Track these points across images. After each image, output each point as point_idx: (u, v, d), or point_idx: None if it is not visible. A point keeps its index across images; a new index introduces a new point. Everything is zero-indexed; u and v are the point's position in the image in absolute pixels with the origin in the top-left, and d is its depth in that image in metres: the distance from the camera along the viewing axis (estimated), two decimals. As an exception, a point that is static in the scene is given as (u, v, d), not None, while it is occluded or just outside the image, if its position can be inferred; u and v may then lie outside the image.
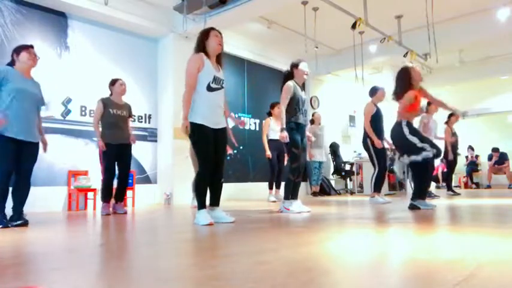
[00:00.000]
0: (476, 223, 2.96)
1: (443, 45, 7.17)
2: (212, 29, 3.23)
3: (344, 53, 8.62)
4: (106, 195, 4.38)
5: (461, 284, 1.22)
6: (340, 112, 10.00)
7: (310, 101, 9.44)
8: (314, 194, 7.86)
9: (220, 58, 3.27)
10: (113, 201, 4.45)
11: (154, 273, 1.49)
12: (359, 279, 1.40)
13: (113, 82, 4.58)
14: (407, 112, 4.08)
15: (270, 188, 6.27)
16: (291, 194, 4.09)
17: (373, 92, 5.57)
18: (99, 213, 4.46)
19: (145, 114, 6.44)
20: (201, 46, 3.17)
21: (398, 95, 4.17)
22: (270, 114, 6.37)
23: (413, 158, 3.97)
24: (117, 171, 4.43)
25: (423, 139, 4.02)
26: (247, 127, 7.86)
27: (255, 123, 7.96)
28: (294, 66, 4.17)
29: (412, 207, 4.00)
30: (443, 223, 3.08)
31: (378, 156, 5.25)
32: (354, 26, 6.08)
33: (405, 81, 4.13)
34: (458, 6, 6.83)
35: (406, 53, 7.27)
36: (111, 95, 4.56)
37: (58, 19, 5.56)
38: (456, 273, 1.37)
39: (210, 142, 3.11)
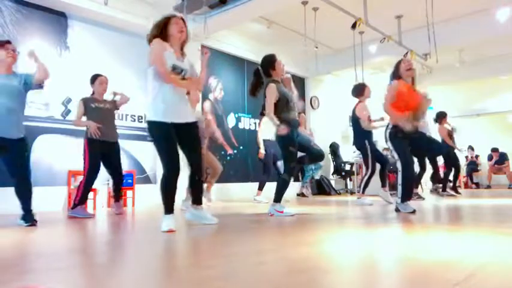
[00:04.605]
0: (476, 223, 2.96)
1: (443, 45, 7.16)
2: (173, 16, 3.01)
3: (344, 53, 8.61)
4: (85, 197, 4.06)
5: (461, 284, 1.22)
6: (340, 112, 9.99)
7: (310, 101, 9.45)
8: (302, 195, 7.50)
9: (183, 47, 3.02)
10: (111, 201, 4.41)
11: (154, 273, 1.49)
12: (358, 278, 1.40)
13: (93, 79, 4.30)
14: (392, 109, 3.57)
15: (260, 189, 6.09)
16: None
17: (360, 90, 5.18)
18: (99, 214, 4.45)
19: (145, 115, 6.43)
20: (161, 32, 2.92)
21: None
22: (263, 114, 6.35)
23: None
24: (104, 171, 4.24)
25: (401, 154, 3.60)
26: (247, 127, 7.85)
27: (255, 123, 7.93)
28: (270, 63, 3.79)
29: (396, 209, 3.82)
30: (443, 223, 3.08)
31: (373, 157, 5.07)
32: (353, 26, 6.08)
33: (393, 72, 3.76)
34: (458, 6, 6.83)
35: (406, 53, 7.26)
36: (93, 94, 4.32)
37: (58, 19, 5.55)
38: (456, 273, 1.37)
39: (172, 139, 2.78)
